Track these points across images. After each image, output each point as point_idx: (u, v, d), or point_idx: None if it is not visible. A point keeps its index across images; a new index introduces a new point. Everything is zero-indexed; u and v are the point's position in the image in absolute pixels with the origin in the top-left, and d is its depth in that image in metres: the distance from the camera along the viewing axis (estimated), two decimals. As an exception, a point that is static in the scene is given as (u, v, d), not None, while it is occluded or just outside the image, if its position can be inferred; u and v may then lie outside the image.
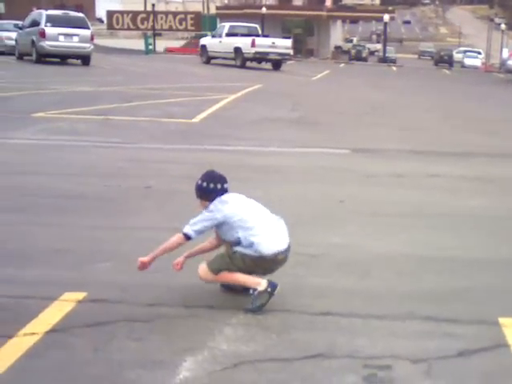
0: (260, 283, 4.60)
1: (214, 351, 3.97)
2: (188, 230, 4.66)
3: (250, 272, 4.67)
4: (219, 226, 4.74)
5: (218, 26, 46.08)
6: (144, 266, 4.76)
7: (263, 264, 4.65)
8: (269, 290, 4.57)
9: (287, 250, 4.74)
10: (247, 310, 4.55)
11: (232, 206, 4.69)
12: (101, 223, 6.63)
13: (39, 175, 8.68)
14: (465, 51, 77.48)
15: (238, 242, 4.68)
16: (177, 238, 4.70)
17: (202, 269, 4.71)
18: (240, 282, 4.69)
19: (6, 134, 11.63)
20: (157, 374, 3.70)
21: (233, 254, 4.67)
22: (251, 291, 4.61)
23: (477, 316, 4.64)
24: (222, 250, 4.88)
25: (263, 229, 4.68)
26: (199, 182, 4.83)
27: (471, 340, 4.25)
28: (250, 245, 4.63)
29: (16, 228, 6.36)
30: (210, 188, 4.76)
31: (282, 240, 4.73)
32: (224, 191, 4.79)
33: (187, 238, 4.66)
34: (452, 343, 4.18)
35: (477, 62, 70.30)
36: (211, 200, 4.73)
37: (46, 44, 28.62)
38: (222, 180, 4.83)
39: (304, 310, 4.62)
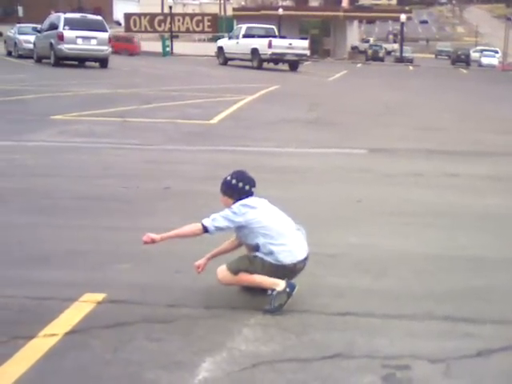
0: (278, 284, 4.61)
1: (233, 352, 3.99)
2: (209, 223, 4.67)
3: (268, 276, 4.68)
4: (240, 229, 4.76)
5: (235, 27, 46.13)
6: (150, 242, 4.73)
7: (282, 271, 4.68)
8: (287, 290, 4.59)
9: (306, 259, 4.79)
10: (266, 311, 4.56)
11: (256, 212, 4.70)
12: (120, 224, 6.67)
13: (58, 177, 8.74)
14: (482, 50, 77.11)
15: (257, 248, 4.70)
16: (195, 227, 4.72)
17: (221, 271, 4.72)
18: (258, 283, 4.70)
19: (25, 136, 11.72)
20: (176, 375, 3.72)
21: (253, 258, 4.69)
22: (269, 292, 4.62)
23: (495, 315, 4.63)
24: (243, 251, 4.90)
25: (284, 239, 4.70)
26: (228, 178, 4.85)
27: (490, 340, 4.24)
28: (270, 253, 4.65)
29: (36, 230, 6.42)
30: (238, 187, 4.77)
31: (302, 250, 4.76)
32: (250, 194, 4.80)
33: (205, 230, 4.68)
34: (471, 343, 4.17)
35: (494, 60, 69.92)
36: (235, 199, 4.75)
37: (64, 47, 28.80)
38: (252, 182, 4.84)
39: (322, 310, 4.63)
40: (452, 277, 5.45)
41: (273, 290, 4.61)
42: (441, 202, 8.03)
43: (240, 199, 4.75)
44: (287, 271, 4.69)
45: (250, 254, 4.75)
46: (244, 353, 3.98)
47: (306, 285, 4.94)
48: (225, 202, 4.83)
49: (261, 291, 4.75)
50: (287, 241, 4.71)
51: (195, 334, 4.21)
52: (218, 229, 4.69)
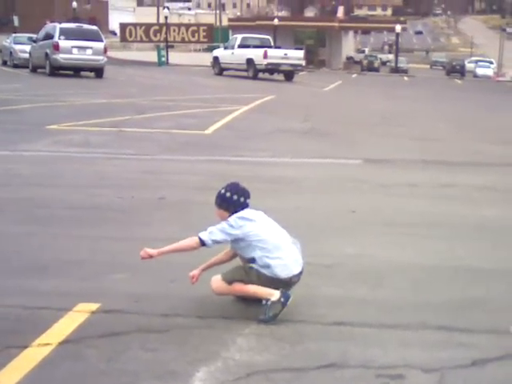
0: (273, 294, 4.60)
1: (228, 361, 3.99)
2: (206, 237, 4.67)
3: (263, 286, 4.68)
4: (236, 241, 4.75)
5: (231, 37, 46.23)
6: (148, 257, 4.76)
7: (277, 283, 4.68)
8: (282, 300, 4.58)
9: (301, 273, 4.81)
10: (260, 321, 4.56)
11: (253, 225, 4.70)
12: (115, 234, 6.67)
13: (53, 187, 8.73)
14: (477, 61, 77.34)
15: (253, 261, 4.69)
16: (191, 241, 4.72)
17: (216, 281, 4.72)
18: (253, 293, 4.69)
19: (21, 146, 11.71)
20: (170, 384, 3.71)
21: (249, 269, 4.69)
22: (264, 301, 4.62)
23: (490, 326, 4.64)
24: (238, 262, 4.90)
25: (280, 252, 4.71)
26: (223, 191, 4.84)
27: (484, 350, 4.24)
28: (266, 266, 4.66)
29: (32, 239, 6.41)
30: (233, 199, 4.77)
31: (297, 264, 4.78)
32: (245, 206, 4.80)
33: (202, 244, 4.68)
34: (465, 353, 4.18)
35: (489, 71, 70.12)
36: (231, 211, 4.75)
37: (60, 57, 28.81)
38: (246, 194, 4.84)
39: (317, 320, 4.63)
40: (447, 287, 5.46)
41: (267, 300, 4.60)
42: (437, 213, 8.04)
43: (236, 212, 4.75)
44: (282, 284, 4.69)
45: (245, 265, 4.75)
46: (238, 362, 3.98)
47: (302, 295, 4.94)
48: (220, 215, 4.82)
49: (255, 301, 4.74)
50: (283, 254, 4.71)
51: (190, 344, 4.21)
52: (215, 242, 4.69)
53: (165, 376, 3.80)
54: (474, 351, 4.20)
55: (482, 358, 4.12)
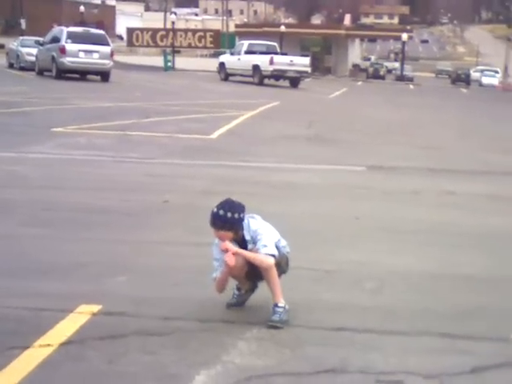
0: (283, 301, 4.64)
1: (228, 365, 4.00)
2: (273, 251, 4.59)
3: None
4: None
5: (237, 43, 46.34)
6: (228, 250, 4.56)
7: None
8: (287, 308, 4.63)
9: None
10: (272, 322, 4.53)
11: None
12: (119, 237, 6.68)
13: (59, 189, 8.76)
14: (482, 70, 77.39)
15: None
16: (267, 258, 4.56)
17: (270, 258, 4.60)
18: (278, 283, 4.64)
19: (26, 148, 11.74)
20: (170, 387, 3.72)
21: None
22: (281, 304, 4.60)
23: (491, 333, 4.64)
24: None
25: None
26: (221, 212, 4.59)
27: (485, 357, 4.24)
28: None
29: (36, 241, 6.42)
30: (235, 218, 4.61)
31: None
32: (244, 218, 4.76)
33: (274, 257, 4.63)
34: (465, 360, 4.17)
35: (494, 80, 70.17)
36: (236, 229, 4.64)
37: (67, 60, 28.93)
38: (243, 207, 4.72)
39: (318, 326, 4.63)
40: (449, 294, 5.46)
41: (276, 303, 4.60)
42: (439, 220, 8.04)
43: (239, 226, 4.68)
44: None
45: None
46: (238, 366, 3.99)
47: (302, 300, 4.95)
48: (223, 236, 4.62)
49: (256, 305, 4.75)
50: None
51: (190, 347, 4.21)
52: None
53: (165, 379, 3.81)
54: (473, 358, 4.20)
55: (481, 365, 4.12)
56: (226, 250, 4.57)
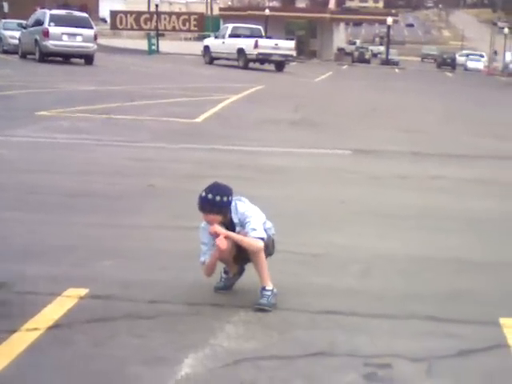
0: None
1: (216, 348, 3.99)
2: (262, 234, 4.59)
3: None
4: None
5: (221, 27, 46.16)
6: (218, 234, 4.54)
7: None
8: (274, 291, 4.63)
9: None
10: (260, 305, 4.53)
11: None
12: (105, 221, 6.65)
13: (43, 173, 8.71)
14: (467, 54, 77.59)
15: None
16: (256, 241, 4.55)
17: (259, 241, 4.59)
18: (265, 267, 4.64)
19: (9, 131, 11.66)
20: (158, 371, 3.71)
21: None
22: (269, 287, 4.60)
23: (478, 316, 4.65)
24: None
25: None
26: (210, 196, 4.58)
27: (472, 340, 4.26)
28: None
29: (21, 225, 6.38)
30: (224, 201, 4.59)
31: None
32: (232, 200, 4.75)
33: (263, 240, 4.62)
34: (453, 343, 4.19)
35: (479, 65, 70.41)
36: (224, 213, 4.62)
37: (50, 43, 28.73)
38: (231, 189, 4.70)
39: (305, 309, 4.64)
40: (436, 278, 5.48)
41: (264, 286, 4.59)
42: (425, 204, 8.06)
43: (227, 209, 4.67)
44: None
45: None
46: (226, 349, 3.98)
47: (290, 284, 4.95)
48: (212, 219, 4.61)
49: (243, 289, 4.75)
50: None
51: (178, 331, 4.20)
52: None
53: (153, 362, 3.80)
54: (461, 341, 4.22)
55: (469, 348, 4.14)
56: (215, 234, 4.56)
